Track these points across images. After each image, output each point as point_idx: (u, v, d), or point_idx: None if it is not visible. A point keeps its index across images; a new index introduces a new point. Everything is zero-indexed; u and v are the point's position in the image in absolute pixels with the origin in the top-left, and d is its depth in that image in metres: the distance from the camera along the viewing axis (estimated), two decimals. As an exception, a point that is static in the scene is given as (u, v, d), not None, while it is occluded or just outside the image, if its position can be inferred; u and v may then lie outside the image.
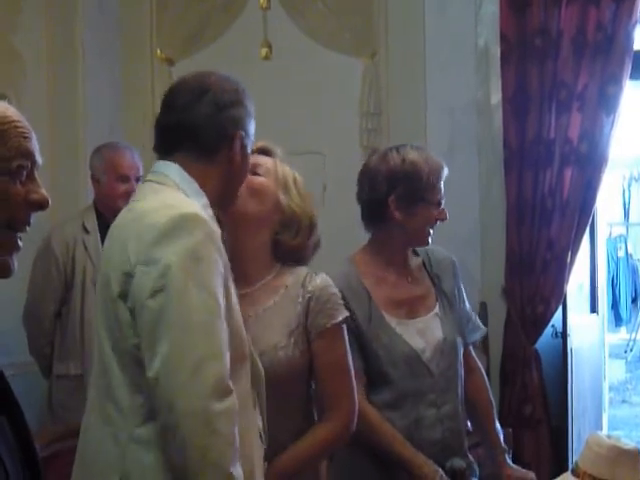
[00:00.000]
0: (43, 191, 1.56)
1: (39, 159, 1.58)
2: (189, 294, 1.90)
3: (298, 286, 2.41)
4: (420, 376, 2.77)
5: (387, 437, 2.70)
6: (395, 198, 2.76)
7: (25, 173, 1.54)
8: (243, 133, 2.18)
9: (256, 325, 2.33)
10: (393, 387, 2.75)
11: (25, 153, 1.55)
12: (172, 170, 2.12)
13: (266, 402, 2.24)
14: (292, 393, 2.40)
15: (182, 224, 1.95)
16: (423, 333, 2.79)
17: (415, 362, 2.77)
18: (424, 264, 2.92)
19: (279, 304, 2.39)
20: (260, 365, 2.19)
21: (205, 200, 2.10)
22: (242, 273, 2.33)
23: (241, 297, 2.23)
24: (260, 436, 2.17)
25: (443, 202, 2.83)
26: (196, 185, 2.11)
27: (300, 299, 2.39)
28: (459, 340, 2.88)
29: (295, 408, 2.42)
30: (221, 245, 2.01)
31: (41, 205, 1.56)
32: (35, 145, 1.57)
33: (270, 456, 2.26)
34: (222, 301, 1.96)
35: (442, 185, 2.82)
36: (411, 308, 2.83)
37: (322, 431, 2.41)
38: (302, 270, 2.45)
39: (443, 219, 2.83)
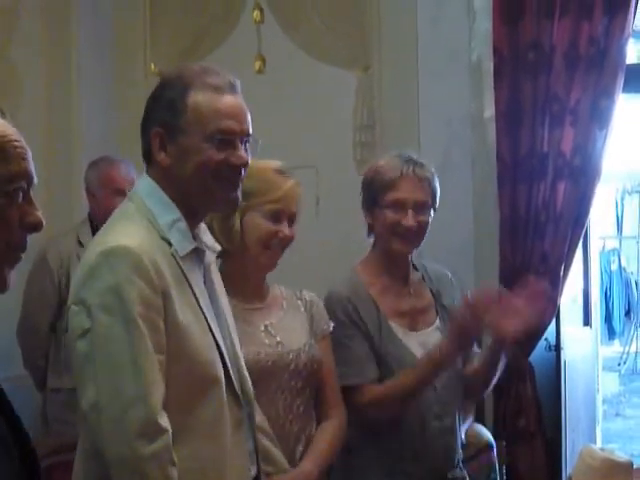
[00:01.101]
0: (38, 213, 1.55)
1: (35, 179, 1.56)
2: (114, 334, 1.87)
3: (293, 297, 2.65)
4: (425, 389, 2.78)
5: (408, 378, 2.69)
6: (362, 204, 2.83)
7: (21, 194, 1.53)
8: (160, 130, 2.01)
9: (282, 331, 2.53)
10: None
11: (24, 175, 1.53)
12: (141, 186, 2.08)
13: (300, 395, 2.46)
14: (313, 386, 2.57)
15: (105, 260, 1.90)
16: (424, 346, 2.79)
17: None
18: (423, 279, 2.92)
19: (290, 312, 2.59)
20: (250, 385, 2.14)
21: (174, 215, 2.01)
22: (256, 292, 2.56)
23: (256, 310, 2.52)
24: (252, 456, 2.15)
25: (408, 208, 2.73)
26: (165, 197, 2.02)
27: (302, 308, 2.61)
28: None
29: (312, 401, 2.58)
30: (157, 269, 1.91)
31: (35, 228, 1.55)
32: (32, 165, 1.56)
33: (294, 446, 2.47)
34: (152, 334, 1.89)
35: (406, 188, 2.73)
36: (412, 320, 2.84)
37: (334, 425, 2.57)
38: (277, 285, 2.65)
39: (402, 223, 2.72)
